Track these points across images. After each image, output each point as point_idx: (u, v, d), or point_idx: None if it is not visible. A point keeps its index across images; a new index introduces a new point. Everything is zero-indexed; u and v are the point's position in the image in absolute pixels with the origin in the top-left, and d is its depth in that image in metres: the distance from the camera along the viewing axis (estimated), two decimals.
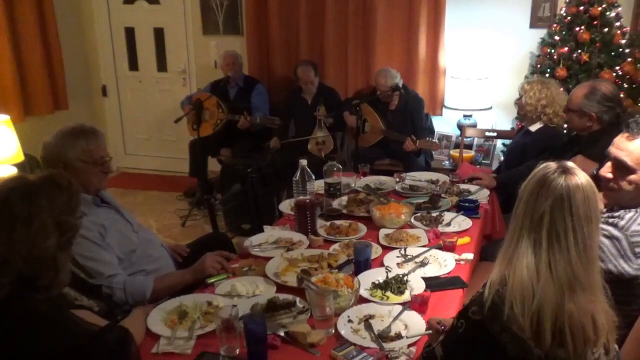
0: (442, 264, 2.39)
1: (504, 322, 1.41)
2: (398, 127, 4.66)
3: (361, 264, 2.31)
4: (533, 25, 4.89)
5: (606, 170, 2.01)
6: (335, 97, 5.17)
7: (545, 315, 1.39)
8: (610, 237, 1.90)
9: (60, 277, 1.64)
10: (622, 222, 1.93)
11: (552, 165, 1.49)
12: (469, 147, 5.00)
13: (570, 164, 1.50)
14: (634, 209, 1.96)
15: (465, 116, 4.97)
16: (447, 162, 5.03)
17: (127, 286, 2.27)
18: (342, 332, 1.87)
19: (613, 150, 1.99)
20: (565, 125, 3.74)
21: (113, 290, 2.26)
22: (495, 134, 4.71)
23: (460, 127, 4.88)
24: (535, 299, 1.39)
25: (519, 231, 1.47)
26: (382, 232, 2.71)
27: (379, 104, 4.78)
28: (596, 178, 1.81)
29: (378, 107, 4.78)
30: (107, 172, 2.46)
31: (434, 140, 4.55)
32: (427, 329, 1.85)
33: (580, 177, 1.47)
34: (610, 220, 1.95)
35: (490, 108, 4.95)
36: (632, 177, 1.93)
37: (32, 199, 1.60)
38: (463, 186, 3.33)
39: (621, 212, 1.96)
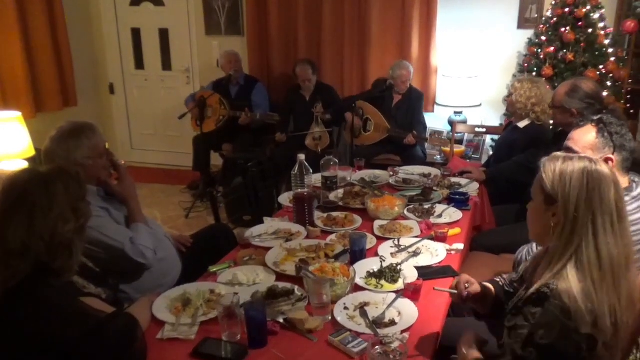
0: (434, 253, 2.39)
1: (571, 337, 1.36)
2: (402, 120, 4.67)
3: (357, 253, 2.30)
4: (520, 26, 4.89)
5: None
6: (332, 94, 5.16)
7: (603, 312, 1.37)
8: None
9: (73, 262, 1.65)
10: None
11: (574, 158, 1.49)
12: (459, 142, 5.00)
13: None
14: None
15: (456, 113, 4.97)
16: (438, 157, 5.03)
17: (138, 241, 2.30)
18: (339, 319, 1.86)
19: (565, 142, 2.13)
20: (552, 122, 3.73)
21: (141, 249, 2.28)
22: (484, 129, 4.70)
23: (451, 123, 4.88)
24: (596, 301, 1.37)
25: (582, 227, 1.42)
26: (377, 223, 2.70)
27: (382, 100, 4.76)
28: None
29: (381, 105, 4.76)
30: (111, 160, 2.44)
31: (443, 138, 4.70)
32: (452, 287, 1.84)
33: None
34: None
35: (480, 105, 4.94)
36: None
37: (49, 187, 1.62)
38: (454, 180, 3.33)
39: None
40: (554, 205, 1.48)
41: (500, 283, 1.88)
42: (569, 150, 2.06)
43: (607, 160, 1.99)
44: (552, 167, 1.50)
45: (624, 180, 2.02)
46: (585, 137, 2.06)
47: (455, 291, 1.81)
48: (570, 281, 1.38)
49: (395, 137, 4.65)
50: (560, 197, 1.46)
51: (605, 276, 1.39)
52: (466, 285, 1.80)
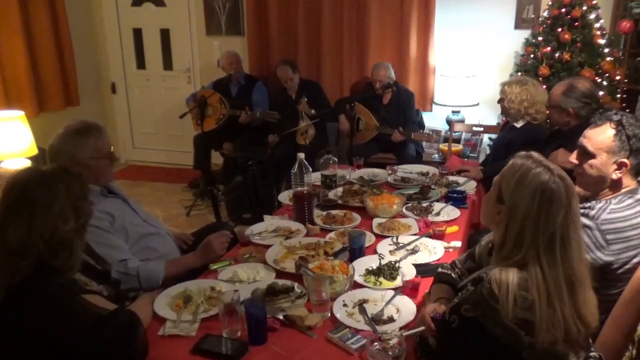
0: (432, 251, 2.39)
1: (498, 319, 1.40)
2: (392, 120, 4.65)
3: (355, 251, 2.30)
4: (517, 26, 4.88)
5: (573, 157, 2.06)
6: (316, 89, 5.14)
7: (558, 317, 1.40)
8: (583, 227, 1.89)
9: (73, 260, 1.64)
10: (592, 212, 1.93)
11: (540, 168, 1.47)
12: (457, 141, 4.99)
13: (544, 159, 1.52)
14: (604, 200, 1.97)
15: (453, 112, 4.96)
16: (436, 156, 5.02)
17: (140, 272, 2.23)
18: (338, 316, 1.87)
19: (580, 139, 2.05)
20: (548, 121, 3.72)
21: (127, 275, 2.21)
22: (481, 128, 4.70)
23: (449, 122, 4.88)
24: (545, 303, 1.39)
25: (528, 244, 1.43)
26: (376, 221, 2.70)
27: (373, 101, 4.75)
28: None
29: (372, 105, 4.76)
30: (113, 162, 2.43)
31: (426, 132, 4.65)
32: (418, 319, 1.80)
33: (561, 170, 1.48)
34: (582, 211, 1.93)
35: (477, 104, 4.94)
36: (593, 161, 1.98)
37: (50, 186, 1.61)
38: (452, 178, 3.33)
39: (592, 202, 1.97)
40: (501, 204, 1.51)
41: (453, 275, 1.91)
42: (583, 148, 2.00)
43: (621, 164, 1.93)
44: (519, 164, 1.50)
45: (632, 183, 1.98)
46: (600, 136, 1.96)
47: (423, 328, 1.69)
48: (509, 274, 1.41)
49: (385, 135, 4.64)
50: (508, 201, 1.48)
51: (551, 292, 1.41)
52: (432, 314, 1.69)
